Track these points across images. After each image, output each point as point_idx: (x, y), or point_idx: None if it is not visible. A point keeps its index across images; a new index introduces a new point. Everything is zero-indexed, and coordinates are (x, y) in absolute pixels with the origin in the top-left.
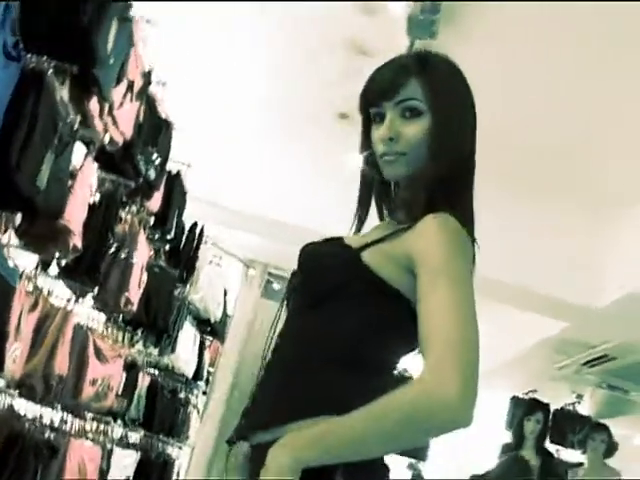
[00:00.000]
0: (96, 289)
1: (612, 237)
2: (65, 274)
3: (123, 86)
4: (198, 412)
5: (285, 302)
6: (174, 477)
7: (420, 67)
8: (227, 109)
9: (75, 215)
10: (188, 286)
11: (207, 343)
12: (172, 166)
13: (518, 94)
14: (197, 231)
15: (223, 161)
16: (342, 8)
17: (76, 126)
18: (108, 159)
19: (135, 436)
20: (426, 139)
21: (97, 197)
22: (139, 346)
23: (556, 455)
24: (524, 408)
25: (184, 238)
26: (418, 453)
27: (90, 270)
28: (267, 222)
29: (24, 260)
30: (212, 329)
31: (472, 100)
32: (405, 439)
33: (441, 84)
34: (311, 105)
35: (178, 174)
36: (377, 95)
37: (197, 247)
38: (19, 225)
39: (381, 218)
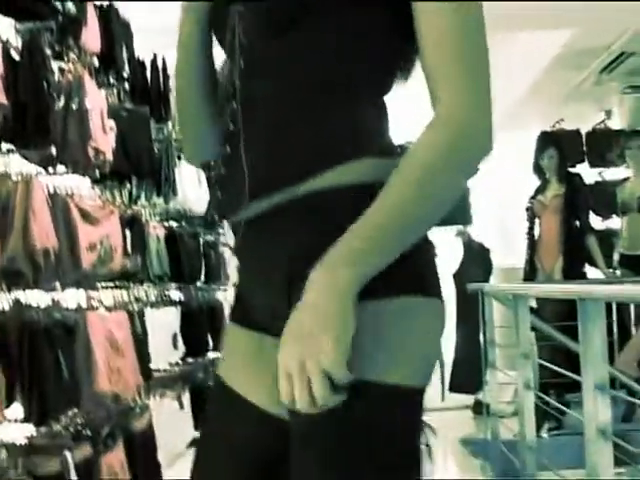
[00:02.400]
0: (53, 149)
1: None
2: (15, 146)
3: None
4: (231, 248)
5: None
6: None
7: None
8: None
9: None
10: (170, 124)
11: None
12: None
13: None
14: (160, 64)
15: None
16: None
17: None
18: (14, 4)
19: (169, 292)
20: None
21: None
22: (142, 202)
23: (601, 178)
24: (535, 148)
25: (148, 74)
26: (461, 218)
27: (38, 131)
28: None
29: None
30: None
31: None
32: (451, 191)
33: None
34: None
35: (111, 5)
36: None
37: (166, 79)
38: None
39: None
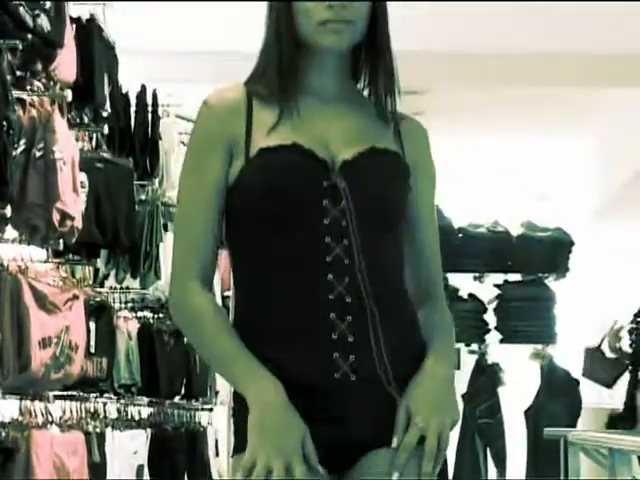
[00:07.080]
0: (9, 210)
1: None
2: None
3: None
4: None
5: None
6: (212, 449)
7: None
8: None
9: None
10: (156, 180)
11: None
12: (79, 10)
13: None
14: (149, 98)
15: None
16: None
17: None
18: None
19: (137, 409)
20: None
21: None
22: (111, 282)
23: None
24: None
25: (132, 112)
26: (542, 335)
27: None
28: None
29: None
30: None
31: None
32: None
33: None
34: None
35: (92, 19)
36: None
37: (155, 122)
38: None
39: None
